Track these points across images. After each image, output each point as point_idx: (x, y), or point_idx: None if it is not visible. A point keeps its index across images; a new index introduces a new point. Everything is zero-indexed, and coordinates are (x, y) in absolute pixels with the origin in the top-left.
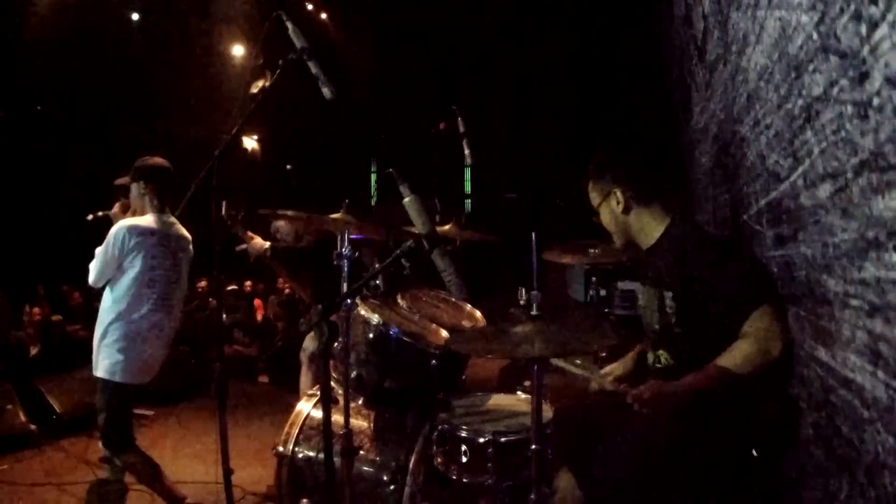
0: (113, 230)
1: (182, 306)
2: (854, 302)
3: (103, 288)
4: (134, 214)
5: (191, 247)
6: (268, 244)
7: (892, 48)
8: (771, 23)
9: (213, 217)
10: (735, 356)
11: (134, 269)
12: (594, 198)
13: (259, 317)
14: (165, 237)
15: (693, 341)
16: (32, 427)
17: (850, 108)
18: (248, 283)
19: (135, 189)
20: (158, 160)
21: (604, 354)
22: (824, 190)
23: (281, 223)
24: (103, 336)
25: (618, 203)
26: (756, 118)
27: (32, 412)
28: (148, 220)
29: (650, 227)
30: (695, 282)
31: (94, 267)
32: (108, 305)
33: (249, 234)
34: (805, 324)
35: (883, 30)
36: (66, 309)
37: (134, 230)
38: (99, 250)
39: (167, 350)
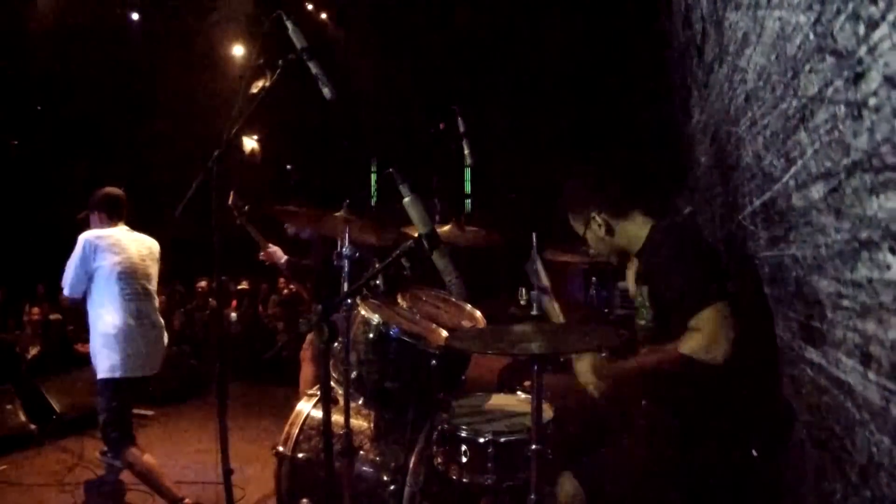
0: (77, 244)
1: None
2: (845, 303)
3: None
4: None
5: (154, 249)
6: (284, 258)
7: (893, 48)
8: (770, 23)
9: (214, 217)
10: (685, 347)
11: (102, 270)
12: (577, 228)
13: None
14: (123, 238)
15: (664, 336)
16: (32, 427)
17: (843, 109)
18: (245, 282)
19: (93, 219)
20: (107, 190)
21: (603, 354)
22: (817, 190)
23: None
24: (96, 340)
25: (599, 226)
26: (753, 118)
27: (32, 412)
28: (104, 230)
29: (636, 236)
30: (657, 275)
31: (65, 278)
32: (92, 311)
33: (270, 244)
34: (795, 325)
35: (883, 30)
36: (66, 309)
37: (93, 236)
38: (68, 263)
39: (163, 340)
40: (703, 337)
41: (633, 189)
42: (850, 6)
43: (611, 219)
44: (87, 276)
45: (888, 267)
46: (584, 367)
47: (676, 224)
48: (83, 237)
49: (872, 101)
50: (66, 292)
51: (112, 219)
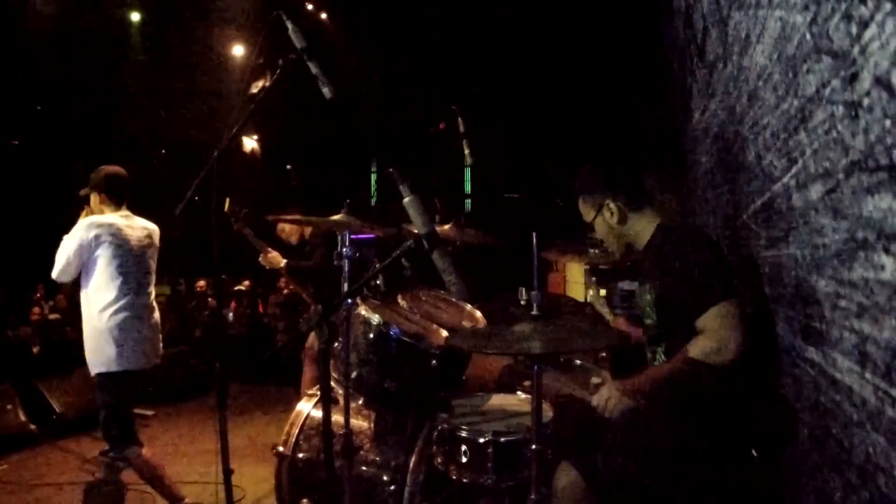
0: (76, 226)
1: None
2: (843, 303)
3: (77, 287)
4: None
5: (154, 235)
6: (283, 262)
7: (882, 48)
8: (771, 23)
9: (214, 217)
10: (694, 351)
11: (101, 260)
12: (587, 213)
13: None
14: (125, 227)
15: (671, 336)
16: (32, 427)
17: (840, 109)
18: (247, 282)
19: (93, 198)
20: (111, 169)
21: (603, 354)
22: (815, 191)
23: (286, 225)
24: (91, 333)
25: (612, 214)
26: (755, 118)
27: (32, 412)
28: (106, 216)
29: (645, 231)
30: (667, 274)
31: (57, 259)
32: (88, 303)
33: (266, 247)
34: (795, 324)
35: (872, 30)
36: (65, 309)
37: (94, 224)
38: (62, 244)
39: (159, 332)
40: (710, 338)
41: (644, 184)
42: (844, 6)
43: (625, 208)
44: (81, 264)
45: (883, 267)
46: (607, 392)
47: (683, 224)
48: (83, 224)
49: (866, 102)
50: (54, 276)
51: (113, 202)
